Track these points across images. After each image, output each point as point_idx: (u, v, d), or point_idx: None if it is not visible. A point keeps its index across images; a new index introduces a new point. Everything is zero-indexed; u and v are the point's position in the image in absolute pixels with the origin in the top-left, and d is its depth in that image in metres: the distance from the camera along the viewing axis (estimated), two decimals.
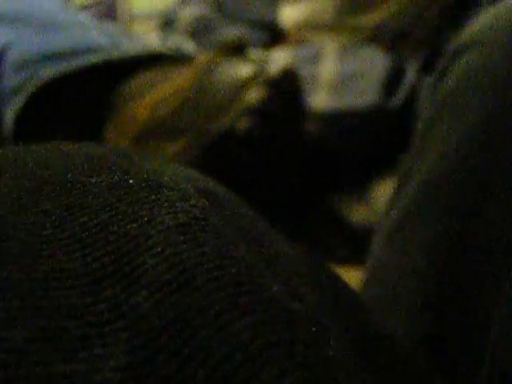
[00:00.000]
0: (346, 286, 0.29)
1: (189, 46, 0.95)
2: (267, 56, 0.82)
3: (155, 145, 0.80)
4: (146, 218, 0.22)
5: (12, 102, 0.85)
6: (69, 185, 0.23)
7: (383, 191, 0.89)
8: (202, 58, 0.85)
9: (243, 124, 0.77)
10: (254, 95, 0.77)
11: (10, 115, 0.85)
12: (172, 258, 0.21)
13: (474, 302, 0.40)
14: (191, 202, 0.24)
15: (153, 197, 0.23)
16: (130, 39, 0.92)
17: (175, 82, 0.83)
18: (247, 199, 0.30)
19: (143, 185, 0.24)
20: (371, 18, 0.97)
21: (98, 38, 0.89)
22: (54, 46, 0.87)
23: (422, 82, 0.93)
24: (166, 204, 0.23)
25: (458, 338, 0.41)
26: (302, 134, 0.86)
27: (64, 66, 0.84)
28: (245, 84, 0.77)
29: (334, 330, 0.24)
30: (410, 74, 0.94)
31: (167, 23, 1.16)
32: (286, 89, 0.79)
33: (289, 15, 1.02)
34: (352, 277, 0.82)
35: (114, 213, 0.22)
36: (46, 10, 0.93)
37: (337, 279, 0.29)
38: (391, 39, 0.99)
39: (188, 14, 1.14)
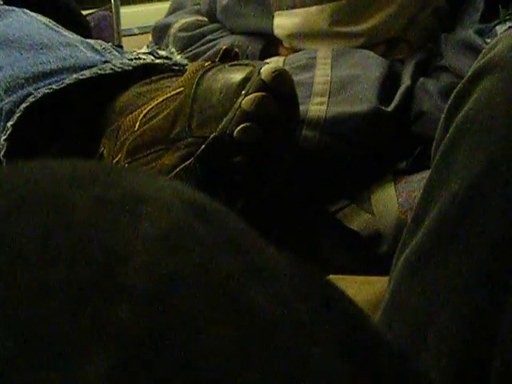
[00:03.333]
0: (340, 294, 0.29)
1: (179, 57, 0.94)
2: (260, 63, 0.81)
3: (153, 157, 0.80)
4: (127, 231, 0.22)
5: (4, 125, 0.85)
6: (51, 200, 0.23)
7: (384, 196, 0.88)
8: (194, 65, 0.85)
9: (239, 129, 0.75)
10: (247, 99, 0.76)
11: (3, 138, 0.84)
12: (153, 270, 0.21)
13: None
14: (174, 214, 0.24)
15: (135, 210, 0.23)
16: (120, 54, 0.92)
17: (167, 91, 0.82)
18: (245, 206, 0.30)
19: (125, 198, 0.24)
20: (365, 26, 0.97)
21: (88, 56, 0.88)
22: (44, 65, 0.86)
23: (417, 84, 0.93)
24: (147, 216, 0.23)
25: (491, 375, 0.41)
26: (298, 135, 0.86)
27: (56, 84, 0.83)
28: (238, 89, 0.76)
29: (323, 337, 0.24)
30: (405, 76, 0.94)
31: (160, 32, 1.15)
32: (280, 90, 0.77)
33: (282, 25, 1.02)
34: (354, 284, 0.82)
35: (95, 227, 0.22)
36: (36, 32, 0.92)
37: (331, 288, 0.29)
38: (385, 43, 0.99)
39: (181, 22, 1.14)
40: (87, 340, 0.19)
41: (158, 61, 0.89)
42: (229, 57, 0.85)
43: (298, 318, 0.23)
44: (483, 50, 0.46)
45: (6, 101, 0.85)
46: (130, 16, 1.56)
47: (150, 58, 0.89)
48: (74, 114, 0.88)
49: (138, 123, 0.82)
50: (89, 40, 0.95)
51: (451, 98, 0.49)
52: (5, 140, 0.84)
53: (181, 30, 1.13)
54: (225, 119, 0.76)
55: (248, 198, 0.79)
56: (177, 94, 0.81)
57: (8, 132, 0.84)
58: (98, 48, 0.92)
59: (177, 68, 0.89)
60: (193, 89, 0.79)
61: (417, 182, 0.85)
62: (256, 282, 0.23)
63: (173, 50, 0.95)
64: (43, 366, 0.19)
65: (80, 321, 0.20)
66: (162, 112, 0.81)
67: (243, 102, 0.76)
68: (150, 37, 1.21)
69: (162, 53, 0.92)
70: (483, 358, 0.42)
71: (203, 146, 0.77)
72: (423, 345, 0.44)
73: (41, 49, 0.89)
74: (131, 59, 0.88)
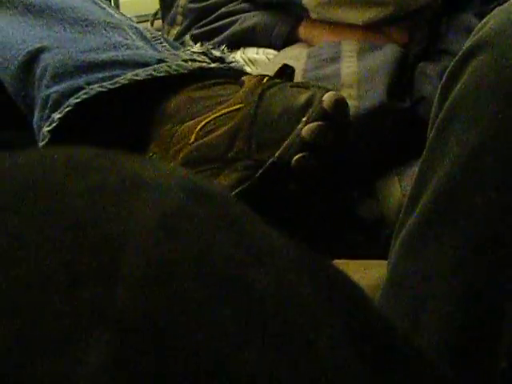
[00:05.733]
0: (344, 277, 0.29)
1: (230, 56, 0.92)
2: (321, 88, 0.79)
3: (208, 174, 0.78)
4: (125, 217, 0.22)
5: (49, 114, 0.82)
6: (49, 187, 0.23)
7: (387, 180, 0.88)
8: (252, 80, 0.83)
9: (297, 158, 0.75)
10: (308, 128, 0.75)
11: (47, 129, 0.81)
12: (152, 254, 0.21)
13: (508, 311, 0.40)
14: (172, 198, 0.24)
15: (132, 195, 0.23)
16: (171, 47, 0.89)
17: (226, 105, 0.81)
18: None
19: (123, 184, 0.24)
20: None
21: (139, 46, 0.86)
22: (95, 54, 0.83)
23: (417, 69, 0.93)
24: (145, 201, 0.23)
25: (486, 347, 0.41)
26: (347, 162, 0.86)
27: (110, 83, 0.81)
28: (299, 114, 0.76)
29: (328, 320, 0.24)
30: (410, 62, 0.94)
31: (167, 2, 1.11)
32: (339, 121, 0.77)
33: None
34: (359, 268, 0.82)
35: (93, 214, 0.22)
36: (79, 4, 0.88)
37: (335, 271, 0.29)
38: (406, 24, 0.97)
39: None
40: (86, 325, 0.19)
41: (213, 65, 0.87)
42: (286, 73, 0.85)
43: (301, 301, 0.23)
44: (475, 28, 0.46)
45: (54, 89, 0.82)
46: (128, 4, 1.56)
47: (204, 60, 0.87)
48: (120, 110, 0.86)
49: (194, 135, 0.80)
50: (137, 25, 0.92)
51: (444, 77, 0.49)
52: (48, 131, 0.81)
53: (191, 0, 1.09)
54: (283, 146, 0.75)
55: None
56: (236, 110, 0.80)
57: (54, 124, 0.81)
58: (148, 36, 0.90)
59: (230, 73, 0.88)
60: (253, 108, 0.78)
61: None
62: (257, 265, 0.23)
63: (224, 48, 0.93)
64: (41, 352, 0.19)
65: (78, 306, 0.20)
66: (219, 128, 0.79)
67: (304, 129, 0.75)
68: (148, 25, 1.18)
69: (217, 53, 0.89)
70: (479, 335, 0.42)
71: (261, 171, 0.76)
72: (419, 322, 0.44)
73: (86, 26, 0.85)
74: (186, 60, 0.85)
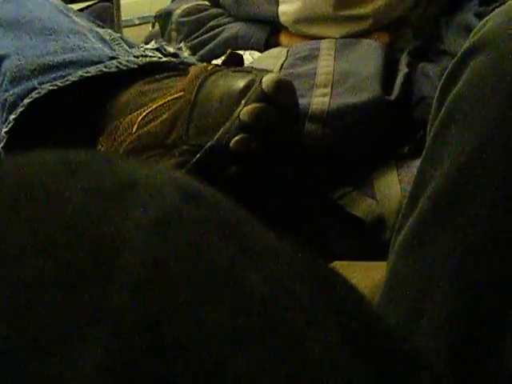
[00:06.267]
0: (340, 278, 0.29)
1: (186, 52, 0.94)
2: (263, 71, 0.79)
3: (149, 161, 0.79)
4: (120, 218, 0.22)
5: (6, 116, 0.84)
6: (44, 190, 0.23)
7: (386, 182, 0.88)
8: (197, 69, 0.83)
9: (235, 140, 0.74)
10: (246, 110, 0.74)
11: (4, 130, 0.84)
12: (147, 256, 0.21)
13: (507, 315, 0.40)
14: (166, 199, 0.24)
15: (127, 197, 0.23)
16: (128, 46, 0.91)
17: (168, 95, 0.81)
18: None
19: (117, 185, 0.24)
20: (369, 8, 0.97)
21: (96, 47, 0.88)
22: (51, 57, 0.85)
23: (417, 70, 0.93)
24: (140, 203, 0.23)
25: (486, 348, 0.41)
26: (301, 129, 0.85)
27: (61, 81, 0.83)
28: (238, 97, 0.75)
29: (323, 320, 0.24)
30: (403, 62, 0.94)
31: (163, 20, 1.15)
32: (281, 102, 0.76)
33: (287, 12, 1.02)
34: (359, 270, 0.82)
35: (88, 215, 0.22)
36: (46, 16, 0.91)
37: (332, 272, 0.29)
38: (389, 32, 0.99)
39: (182, 8, 1.14)
40: (83, 327, 0.19)
41: (164, 59, 0.88)
42: (234, 60, 0.85)
43: (296, 301, 0.23)
44: (474, 29, 0.46)
45: (11, 92, 0.85)
46: (130, 6, 1.56)
47: (156, 56, 0.88)
48: (75, 108, 0.87)
49: (136, 125, 0.81)
50: (98, 29, 0.94)
51: (443, 77, 0.49)
52: (6, 132, 0.84)
53: (182, 15, 1.14)
54: (222, 129, 0.75)
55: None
56: (177, 98, 0.80)
57: (10, 125, 0.83)
58: (107, 38, 0.92)
59: (182, 67, 0.88)
60: (193, 94, 0.78)
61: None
62: (252, 265, 0.23)
63: (182, 45, 0.94)
64: (39, 353, 0.19)
65: (74, 307, 0.20)
66: (160, 116, 0.80)
67: (242, 112, 0.74)
68: (150, 27, 1.20)
69: (170, 49, 0.91)
70: (479, 336, 0.42)
71: (198, 155, 0.76)
72: (418, 323, 0.44)
73: (49, 34, 0.88)
74: (137, 56, 0.86)
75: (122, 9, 1.36)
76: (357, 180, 0.90)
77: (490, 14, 0.45)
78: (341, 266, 0.84)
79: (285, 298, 0.23)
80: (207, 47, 1.09)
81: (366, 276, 0.79)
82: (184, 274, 0.21)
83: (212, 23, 1.11)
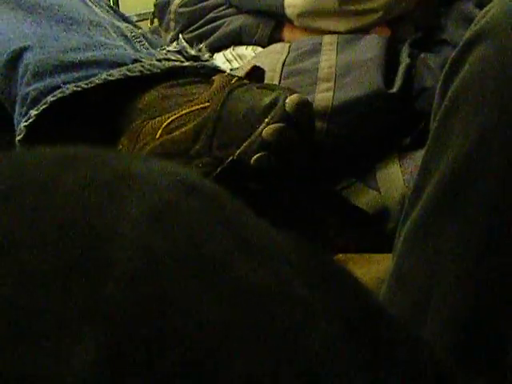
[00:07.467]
0: (342, 270, 0.29)
1: (206, 54, 0.94)
2: (286, 90, 0.80)
3: None
4: (115, 211, 0.22)
5: (27, 110, 0.84)
6: (38, 183, 0.23)
7: (389, 173, 0.88)
8: (221, 79, 0.84)
9: (256, 157, 0.77)
10: (269, 129, 0.76)
11: (24, 124, 0.84)
12: (142, 248, 0.21)
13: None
14: (162, 192, 0.24)
15: (123, 190, 0.23)
16: (150, 45, 0.91)
17: (193, 104, 0.83)
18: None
19: (113, 179, 0.24)
20: (375, 3, 0.96)
21: (118, 45, 0.88)
22: (74, 54, 0.85)
23: (418, 61, 0.93)
24: (135, 196, 0.23)
25: (492, 340, 0.41)
26: (312, 160, 0.86)
27: (85, 82, 0.83)
28: (262, 115, 0.77)
29: (323, 312, 0.24)
30: (403, 55, 0.94)
31: (162, 9, 1.14)
32: (302, 122, 0.78)
33: (293, 4, 1.01)
34: (363, 262, 0.82)
35: (82, 209, 0.22)
36: (65, 2, 0.91)
37: (333, 264, 0.29)
38: (389, 22, 0.99)
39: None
40: (76, 319, 0.19)
41: (186, 63, 0.89)
42: (256, 73, 0.86)
43: (295, 294, 0.23)
44: (476, 17, 0.46)
45: (33, 86, 0.85)
46: (128, 3, 1.56)
47: (179, 59, 0.89)
48: (95, 105, 0.88)
49: (160, 131, 0.82)
50: (119, 23, 0.94)
51: (446, 67, 0.48)
52: (25, 126, 0.84)
53: (181, 5, 1.12)
54: (244, 145, 0.77)
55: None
56: (202, 108, 0.82)
57: (30, 120, 0.84)
58: (128, 35, 0.92)
59: (203, 72, 0.89)
60: (218, 107, 0.80)
61: (421, 158, 0.84)
62: (248, 257, 0.23)
63: (201, 46, 0.95)
64: (30, 348, 0.19)
65: (68, 302, 0.20)
66: (185, 125, 0.81)
67: (265, 130, 0.76)
68: (148, 23, 1.20)
69: (191, 51, 0.92)
70: (486, 327, 0.42)
71: (219, 169, 0.78)
72: (425, 314, 0.44)
73: (70, 24, 0.88)
74: (160, 60, 0.88)
75: (121, 5, 1.36)
76: (359, 172, 0.90)
77: (492, 3, 0.45)
78: (345, 259, 0.84)
79: (281, 289, 0.23)
80: (207, 41, 1.07)
81: (371, 268, 0.79)
82: (179, 266, 0.21)
83: (212, 14, 1.10)
